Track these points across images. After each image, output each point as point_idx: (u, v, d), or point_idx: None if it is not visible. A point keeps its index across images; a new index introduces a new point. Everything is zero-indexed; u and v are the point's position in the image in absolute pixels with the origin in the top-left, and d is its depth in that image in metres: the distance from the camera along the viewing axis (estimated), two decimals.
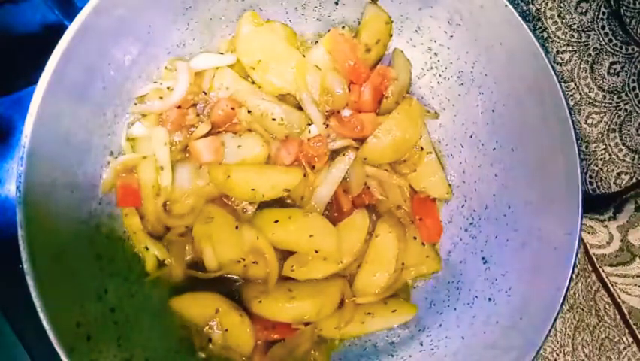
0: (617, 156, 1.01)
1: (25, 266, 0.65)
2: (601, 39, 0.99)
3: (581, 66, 1.00)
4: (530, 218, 0.84)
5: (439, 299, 0.92)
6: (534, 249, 0.82)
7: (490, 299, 0.86)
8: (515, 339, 0.80)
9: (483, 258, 0.90)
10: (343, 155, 0.91)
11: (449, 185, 0.97)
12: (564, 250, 0.78)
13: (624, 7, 0.97)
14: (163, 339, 0.81)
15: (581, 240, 0.99)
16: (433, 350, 0.87)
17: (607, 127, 1.01)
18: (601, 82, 1.00)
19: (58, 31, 0.70)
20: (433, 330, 0.89)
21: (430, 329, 0.90)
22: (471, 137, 0.93)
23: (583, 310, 1.02)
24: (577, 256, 0.78)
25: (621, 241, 0.98)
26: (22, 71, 0.92)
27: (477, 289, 0.88)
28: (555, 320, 0.77)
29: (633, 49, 0.98)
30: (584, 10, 0.99)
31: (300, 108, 0.93)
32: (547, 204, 0.82)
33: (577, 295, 1.03)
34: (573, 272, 0.77)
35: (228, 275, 0.88)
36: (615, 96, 1.00)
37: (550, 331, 0.77)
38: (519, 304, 0.82)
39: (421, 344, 0.89)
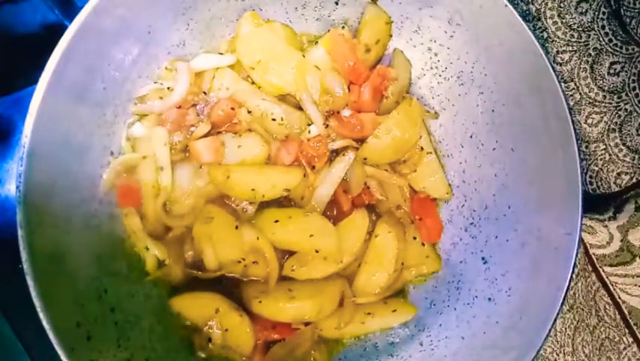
0: (617, 156, 1.01)
1: (25, 266, 0.65)
2: (601, 39, 0.99)
3: (581, 66, 1.00)
4: (530, 218, 0.84)
5: (439, 299, 0.92)
6: (534, 249, 0.82)
7: (490, 299, 0.86)
8: (515, 339, 0.79)
9: (483, 258, 0.90)
10: (343, 155, 0.91)
11: (449, 185, 0.97)
12: (564, 250, 0.78)
13: (624, 7, 0.97)
14: (163, 339, 0.81)
15: (581, 240, 0.99)
16: (433, 350, 0.87)
17: (607, 127, 1.01)
18: (601, 82, 1.00)
19: (58, 31, 0.70)
20: (433, 330, 0.89)
21: (430, 329, 0.90)
22: (471, 137, 0.93)
23: (583, 310, 1.02)
24: (577, 256, 0.78)
25: (621, 241, 0.98)
26: (22, 71, 0.92)
27: (477, 289, 0.88)
28: (555, 320, 0.77)
29: (633, 49, 0.98)
30: (584, 10, 0.99)
31: (300, 108, 0.93)
32: (547, 204, 0.82)
33: (577, 295, 1.03)
34: (573, 272, 0.77)
35: (228, 275, 0.88)
36: (615, 96, 1.00)
37: (550, 331, 0.77)
38: (519, 304, 0.82)
39: (421, 344, 0.88)
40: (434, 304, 0.92)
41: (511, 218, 0.87)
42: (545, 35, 1.00)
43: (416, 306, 0.92)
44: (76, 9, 0.74)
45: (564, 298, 0.77)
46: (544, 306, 0.78)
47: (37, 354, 0.89)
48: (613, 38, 0.99)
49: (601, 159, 1.02)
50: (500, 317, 0.83)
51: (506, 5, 0.79)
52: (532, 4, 1.00)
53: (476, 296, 0.88)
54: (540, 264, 0.81)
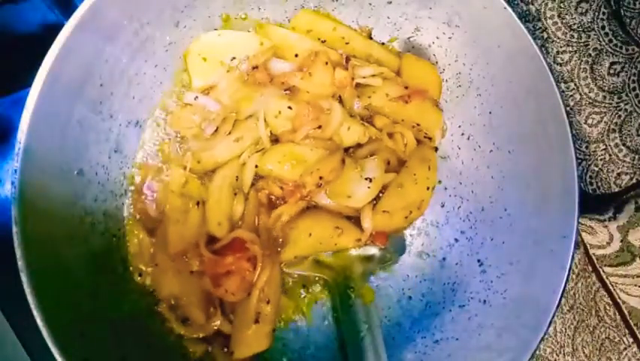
0: (617, 156, 1.01)
1: (20, 263, 0.65)
2: (601, 39, 0.98)
3: (581, 66, 1.00)
4: (527, 221, 0.84)
5: (434, 301, 0.92)
6: (530, 251, 0.83)
7: (485, 301, 0.86)
8: (510, 341, 0.80)
9: (479, 260, 0.90)
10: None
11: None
12: (560, 252, 0.78)
13: (624, 8, 0.96)
14: (158, 338, 0.81)
15: (581, 240, 0.99)
16: (426, 352, 0.87)
17: (607, 127, 1.01)
18: (601, 82, 0.99)
19: (58, 31, 0.70)
20: (428, 332, 0.89)
21: (425, 331, 0.90)
22: (468, 139, 0.93)
23: (583, 310, 1.02)
24: (573, 258, 0.78)
25: (621, 241, 0.98)
26: (22, 72, 0.92)
27: (472, 291, 0.88)
28: (550, 322, 0.77)
29: (633, 49, 0.98)
30: (584, 10, 0.98)
31: None
32: (543, 207, 0.82)
33: (577, 295, 1.02)
34: (569, 275, 0.77)
35: None
36: (615, 96, 1.00)
37: (545, 333, 0.77)
38: (514, 306, 0.82)
39: (415, 346, 0.89)
40: (429, 306, 0.92)
41: (508, 220, 0.87)
42: (545, 36, 0.99)
43: (411, 307, 0.93)
44: (76, 9, 0.74)
45: (559, 301, 0.77)
46: (539, 309, 0.78)
47: (37, 354, 0.89)
48: (613, 38, 0.98)
49: (601, 160, 1.02)
50: (495, 318, 0.83)
51: (505, 8, 0.79)
52: (532, 4, 0.99)
53: (471, 298, 0.88)
54: (536, 266, 0.81)
